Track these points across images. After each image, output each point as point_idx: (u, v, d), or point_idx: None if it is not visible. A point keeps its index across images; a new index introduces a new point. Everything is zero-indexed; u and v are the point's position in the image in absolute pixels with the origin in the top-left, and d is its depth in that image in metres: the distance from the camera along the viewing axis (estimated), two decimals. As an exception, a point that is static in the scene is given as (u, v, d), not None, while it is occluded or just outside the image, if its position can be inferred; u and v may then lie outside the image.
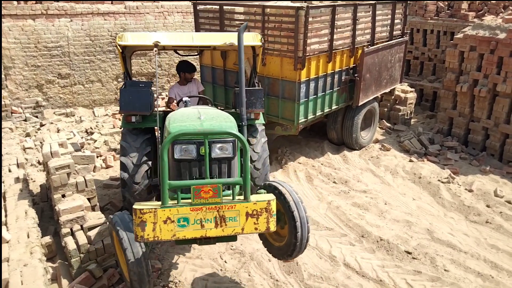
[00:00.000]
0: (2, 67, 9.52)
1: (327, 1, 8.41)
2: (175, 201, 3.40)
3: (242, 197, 3.57)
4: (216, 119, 4.47)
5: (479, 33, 8.40)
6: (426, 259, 5.31)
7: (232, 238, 3.90)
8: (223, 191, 3.61)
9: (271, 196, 3.67)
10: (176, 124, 4.21)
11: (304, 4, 6.38)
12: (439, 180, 7.32)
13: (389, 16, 8.47)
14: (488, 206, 6.62)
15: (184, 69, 5.95)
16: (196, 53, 7.04)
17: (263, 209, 3.47)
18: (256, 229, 3.47)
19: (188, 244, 3.68)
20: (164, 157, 3.33)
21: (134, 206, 3.35)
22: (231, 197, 3.58)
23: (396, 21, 8.70)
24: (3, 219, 4.70)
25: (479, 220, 6.26)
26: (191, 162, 4.15)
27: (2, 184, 5.45)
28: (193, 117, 4.41)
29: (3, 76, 9.10)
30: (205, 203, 3.38)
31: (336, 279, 4.90)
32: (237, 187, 4.22)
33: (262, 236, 4.52)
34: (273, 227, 3.52)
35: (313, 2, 7.75)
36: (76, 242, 4.58)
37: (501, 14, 9.88)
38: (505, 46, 7.86)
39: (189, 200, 3.40)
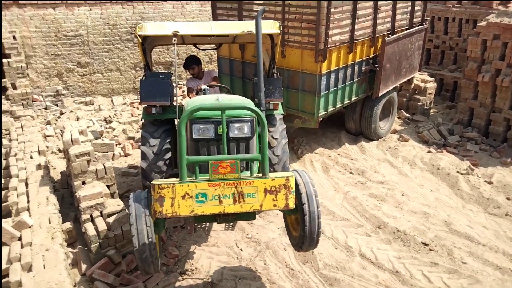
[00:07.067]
0: (24, 56, 9.68)
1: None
2: (194, 178, 3.43)
3: (260, 174, 3.56)
4: (233, 100, 4.53)
5: (503, 20, 8.16)
6: (443, 251, 5.27)
7: (251, 215, 3.88)
8: (241, 171, 3.61)
9: (290, 173, 3.64)
10: (194, 104, 4.25)
11: None
12: (458, 172, 7.20)
13: (409, 3, 8.29)
14: (508, 198, 6.50)
15: (189, 64, 6.02)
16: (215, 47, 7.04)
17: (282, 185, 3.43)
18: (274, 205, 3.45)
19: (207, 221, 3.71)
20: (182, 132, 3.35)
21: (152, 182, 3.39)
22: (249, 174, 3.59)
23: (416, 8, 8.51)
24: (26, 204, 4.83)
25: (499, 213, 6.16)
26: (209, 142, 4.21)
27: (25, 171, 5.59)
28: (211, 99, 4.46)
29: (24, 64, 9.27)
30: (223, 179, 3.38)
31: (352, 269, 4.90)
32: (256, 166, 4.24)
33: (286, 224, 4.51)
34: (292, 204, 3.49)
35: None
36: (96, 228, 4.68)
37: (527, 1, 9.58)
38: (530, 34, 7.64)
39: (208, 177, 3.42)
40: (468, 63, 8.92)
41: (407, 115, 9.60)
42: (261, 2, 7.02)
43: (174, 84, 5.03)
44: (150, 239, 3.45)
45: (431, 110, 10.06)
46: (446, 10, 11.39)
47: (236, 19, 7.21)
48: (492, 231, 5.73)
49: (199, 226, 5.66)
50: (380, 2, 7.26)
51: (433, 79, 10.06)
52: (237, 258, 5.10)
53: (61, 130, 8.27)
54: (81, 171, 5.05)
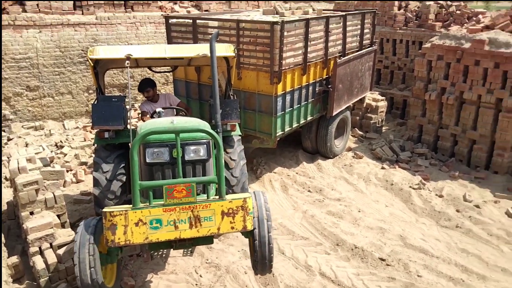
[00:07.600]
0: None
1: (298, 10, 8.54)
2: (148, 204, 3.34)
3: (217, 197, 3.51)
4: (188, 122, 4.47)
5: (445, 42, 8.67)
6: (400, 266, 5.39)
7: (209, 239, 3.78)
8: (198, 194, 3.53)
9: (247, 194, 3.59)
10: (147, 128, 4.15)
11: (279, 19, 6.38)
12: (410, 187, 7.47)
13: (359, 27, 8.66)
14: (458, 211, 6.79)
15: (144, 87, 5.82)
16: (171, 69, 6.97)
17: (239, 207, 3.40)
18: (232, 228, 3.40)
19: (163, 248, 3.59)
20: (134, 156, 3.27)
21: (104, 210, 3.25)
22: (206, 197, 3.53)
23: (365, 30, 8.89)
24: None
25: (450, 225, 6.41)
26: (164, 165, 4.10)
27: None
28: (165, 122, 4.39)
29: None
30: (178, 203, 3.30)
31: (312, 289, 4.91)
32: (213, 189, 4.17)
33: (249, 245, 4.44)
34: (250, 226, 3.45)
35: (285, 13, 7.82)
36: (45, 261, 4.44)
37: (465, 24, 10.24)
38: (470, 55, 8.13)
39: (162, 202, 3.33)
40: (416, 82, 9.37)
41: (361, 133, 9.90)
42: (216, 24, 7.07)
43: (128, 107, 4.92)
44: (92, 269, 3.33)
45: (383, 128, 10.45)
46: (394, 32, 11.99)
47: (192, 42, 7.22)
48: (444, 243, 5.94)
49: (156, 253, 5.49)
50: (331, 26, 7.52)
51: (384, 98, 10.48)
52: (196, 285, 4.98)
53: (8, 158, 7.84)
54: (29, 201, 4.81)
